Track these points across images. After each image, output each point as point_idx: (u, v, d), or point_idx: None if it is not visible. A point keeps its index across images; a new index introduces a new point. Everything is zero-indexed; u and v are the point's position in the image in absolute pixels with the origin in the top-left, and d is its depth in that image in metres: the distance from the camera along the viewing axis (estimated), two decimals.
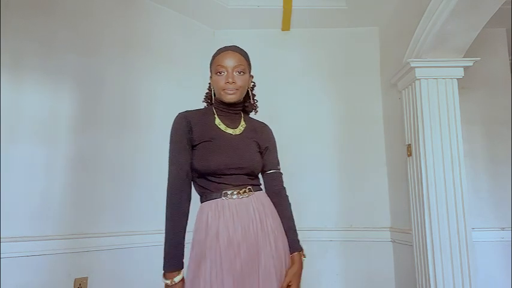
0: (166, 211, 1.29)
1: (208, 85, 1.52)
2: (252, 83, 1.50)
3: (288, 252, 1.36)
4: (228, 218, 1.27)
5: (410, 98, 2.46)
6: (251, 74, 1.47)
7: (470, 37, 2.24)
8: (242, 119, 1.47)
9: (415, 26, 2.33)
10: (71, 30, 2.32)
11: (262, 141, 1.46)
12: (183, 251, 1.27)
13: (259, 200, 1.36)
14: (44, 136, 2.15)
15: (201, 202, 1.37)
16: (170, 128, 1.40)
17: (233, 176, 1.33)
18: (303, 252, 1.39)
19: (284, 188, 1.50)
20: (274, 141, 1.53)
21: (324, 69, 3.09)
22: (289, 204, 1.49)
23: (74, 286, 2.14)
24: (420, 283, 2.35)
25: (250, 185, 1.36)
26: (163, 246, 1.25)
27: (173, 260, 1.24)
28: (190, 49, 2.95)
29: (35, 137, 2.12)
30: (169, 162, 1.36)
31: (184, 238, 1.28)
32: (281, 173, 1.51)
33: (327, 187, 2.95)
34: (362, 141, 2.98)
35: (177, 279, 1.22)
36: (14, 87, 2.08)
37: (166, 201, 1.31)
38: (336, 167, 2.97)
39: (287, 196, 1.49)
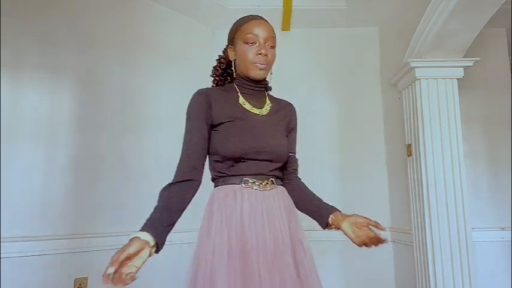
0: (168, 184, 1.13)
1: (218, 58, 1.35)
2: None
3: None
4: (246, 211, 1.10)
5: (410, 98, 2.46)
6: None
7: (470, 37, 2.24)
8: (267, 97, 1.31)
9: (415, 26, 2.33)
10: (71, 30, 2.32)
11: (289, 122, 1.31)
12: (165, 223, 1.08)
13: (283, 196, 1.21)
14: (43, 136, 2.15)
15: (215, 186, 1.21)
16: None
17: (257, 162, 1.16)
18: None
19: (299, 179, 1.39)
20: (296, 123, 1.37)
21: (324, 69, 3.09)
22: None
23: (74, 286, 2.14)
24: (420, 283, 2.35)
25: (274, 176, 1.21)
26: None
27: (148, 221, 1.07)
28: (190, 49, 2.95)
29: (35, 137, 2.12)
30: (183, 140, 1.19)
31: (171, 215, 1.08)
32: (297, 159, 1.37)
33: (326, 187, 2.94)
34: (362, 141, 2.98)
35: (138, 234, 1.04)
36: (14, 87, 2.08)
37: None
38: (336, 167, 2.97)
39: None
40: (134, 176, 2.49)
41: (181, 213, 1.11)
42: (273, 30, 1.24)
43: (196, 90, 1.24)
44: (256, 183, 1.15)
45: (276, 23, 3.05)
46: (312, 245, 2.70)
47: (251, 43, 1.19)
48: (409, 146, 2.48)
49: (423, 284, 2.31)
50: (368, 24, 3.06)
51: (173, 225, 1.09)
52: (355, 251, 2.81)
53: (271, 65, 1.24)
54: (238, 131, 1.16)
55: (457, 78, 2.37)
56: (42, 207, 2.10)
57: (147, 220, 1.08)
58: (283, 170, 1.30)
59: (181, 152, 1.17)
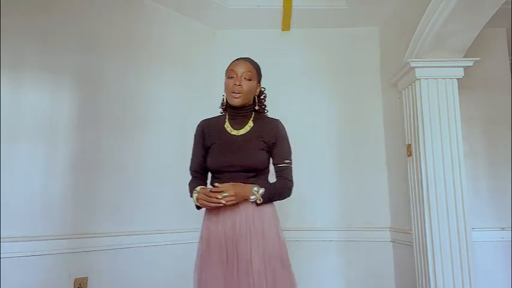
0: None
1: (223, 95, 1.67)
2: (260, 92, 1.66)
3: (283, 240, 1.53)
4: (221, 210, 1.48)
5: (410, 98, 2.46)
6: (260, 83, 1.65)
7: (470, 37, 2.25)
8: (251, 120, 1.61)
9: (415, 26, 2.33)
10: (71, 30, 2.32)
11: (269, 138, 1.58)
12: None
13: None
14: (44, 136, 2.15)
15: None
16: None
17: (233, 173, 1.49)
18: (258, 198, 1.48)
19: (290, 180, 1.60)
20: (284, 135, 1.63)
21: (324, 69, 3.09)
22: (284, 187, 1.59)
23: (74, 286, 2.14)
24: (420, 283, 2.35)
25: (253, 182, 1.50)
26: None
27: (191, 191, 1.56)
28: (190, 49, 2.95)
29: (35, 137, 2.12)
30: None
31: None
32: (288, 166, 1.61)
33: (327, 187, 2.94)
34: (362, 141, 2.98)
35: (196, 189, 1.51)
36: (14, 86, 2.08)
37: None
38: (336, 167, 2.97)
39: (287, 183, 1.59)
40: (134, 176, 2.49)
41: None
42: (253, 67, 1.59)
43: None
44: None
45: (276, 23, 3.05)
46: (312, 245, 2.76)
47: (231, 77, 1.56)
48: (409, 146, 2.48)
49: (423, 283, 2.31)
50: (368, 24, 3.06)
51: None
52: (355, 251, 2.83)
53: (248, 93, 1.56)
54: (217, 151, 1.56)
55: (457, 78, 2.37)
56: (43, 207, 2.10)
57: (191, 190, 1.58)
58: (276, 177, 1.61)
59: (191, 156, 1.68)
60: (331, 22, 3.04)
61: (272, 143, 1.58)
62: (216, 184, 1.46)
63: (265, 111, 1.69)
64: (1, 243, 1.92)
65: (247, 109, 1.61)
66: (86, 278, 2.18)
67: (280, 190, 1.57)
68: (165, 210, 2.59)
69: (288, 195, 1.61)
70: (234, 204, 1.45)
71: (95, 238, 2.24)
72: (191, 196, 1.54)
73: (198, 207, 1.55)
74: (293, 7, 2.85)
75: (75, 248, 2.16)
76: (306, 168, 2.94)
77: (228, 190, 1.41)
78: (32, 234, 2.04)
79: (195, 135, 1.66)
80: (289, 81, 3.07)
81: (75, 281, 2.15)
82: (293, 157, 1.66)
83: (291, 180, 1.60)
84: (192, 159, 1.66)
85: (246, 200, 1.48)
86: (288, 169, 1.61)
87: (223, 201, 1.39)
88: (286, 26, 3.07)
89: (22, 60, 2.12)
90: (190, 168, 1.66)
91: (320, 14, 2.93)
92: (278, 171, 1.60)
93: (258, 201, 1.47)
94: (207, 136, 1.61)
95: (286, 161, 1.60)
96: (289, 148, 1.64)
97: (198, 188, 1.51)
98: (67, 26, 2.31)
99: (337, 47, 3.12)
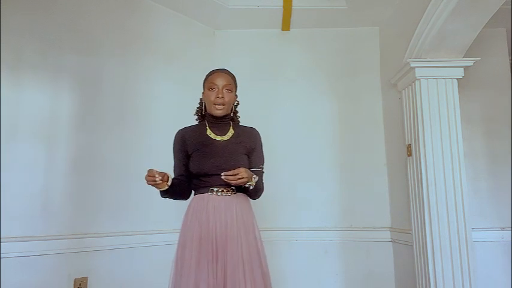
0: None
1: (199, 100, 1.77)
2: (236, 102, 1.76)
3: (260, 241, 1.63)
4: (210, 210, 1.56)
5: (410, 98, 2.46)
6: (236, 94, 1.74)
7: (470, 37, 2.24)
8: (231, 127, 1.72)
9: (415, 26, 2.33)
10: (71, 30, 2.32)
11: (250, 143, 1.71)
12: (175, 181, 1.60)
13: (239, 201, 1.62)
14: (43, 136, 2.15)
15: (194, 195, 1.68)
16: (175, 129, 1.74)
17: (219, 176, 1.51)
18: (253, 184, 1.56)
19: (261, 183, 1.71)
20: (260, 143, 1.76)
21: (324, 69, 3.09)
22: (262, 188, 1.72)
23: (74, 286, 2.14)
24: (420, 283, 2.35)
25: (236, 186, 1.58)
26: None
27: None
28: (190, 49, 2.95)
29: (35, 137, 2.12)
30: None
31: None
32: (262, 171, 1.73)
33: (327, 187, 2.94)
34: (362, 141, 2.98)
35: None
36: (14, 86, 2.08)
37: None
38: (336, 167, 2.97)
39: (262, 185, 1.72)
40: (134, 176, 2.48)
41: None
42: (232, 79, 1.70)
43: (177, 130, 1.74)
44: (219, 191, 1.59)
45: (276, 23, 3.05)
46: (312, 245, 2.77)
47: (212, 89, 1.65)
48: (409, 146, 2.48)
49: (423, 283, 2.31)
50: (368, 24, 3.06)
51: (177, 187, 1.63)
52: (355, 251, 2.83)
53: (229, 104, 1.67)
54: (203, 155, 1.62)
55: (457, 78, 2.37)
56: (42, 207, 2.10)
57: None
58: None
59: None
60: (331, 22, 3.04)
61: (252, 148, 1.71)
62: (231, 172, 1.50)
63: (239, 119, 1.78)
64: (1, 243, 1.92)
65: (227, 118, 1.71)
66: (86, 278, 2.18)
67: (261, 187, 1.70)
68: (165, 210, 2.59)
69: (258, 197, 1.73)
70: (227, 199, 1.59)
71: (95, 238, 2.24)
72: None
73: (164, 194, 1.60)
74: (293, 7, 2.85)
75: (75, 248, 2.16)
76: (305, 168, 2.94)
77: (241, 173, 1.48)
78: (32, 234, 2.04)
79: (175, 143, 1.72)
80: (289, 81, 3.08)
81: (75, 281, 2.15)
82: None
83: (262, 183, 1.72)
84: (174, 167, 1.72)
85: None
86: (262, 174, 1.72)
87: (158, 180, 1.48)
88: (286, 26, 3.07)
89: (22, 60, 2.12)
90: (174, 175, 1.70)
91: (320, 14, 2.93)
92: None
93: (251, 187, 1.57)
94: (189, 143, 1.67)
95: (261, 166, 1.72)
96: (263, 156, 1.76)
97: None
98: (67, 25, 2.31)
99: (337, 47, 3.12)
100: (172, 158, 1.73)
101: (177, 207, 2.60)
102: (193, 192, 1.71)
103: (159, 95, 2.70)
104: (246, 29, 3.12)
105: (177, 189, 1.62)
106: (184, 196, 1.71)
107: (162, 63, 2.75)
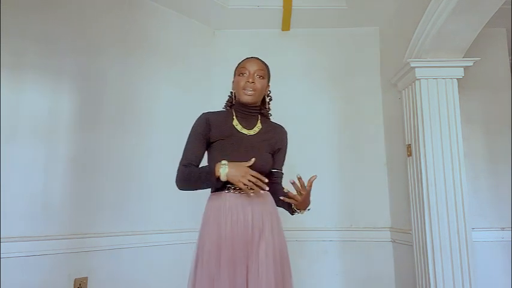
0: (179, 182, 1.48)
1: (230, 93, 1.64)
2: (269, 97, 1.65)
3: (284, 245, 1.54)
4: (227, 211, 1.43)
5: (410, 98, 2.46)
6: (269, 84, 1.63)
7: (470, 37, 2.24)
8: (259, 121, 1.60)
9: (415, 26, 2.33)
10: (71, 30, 2.32)
11: (275, 143, 1.60)
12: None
13: (262, 198, 1.48)
14: (43, 136, 2.15)
15: (211, 192, 1.54)
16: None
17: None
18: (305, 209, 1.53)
19: (281, 185, 1.64)
20: (286, 144, 1.67)
21: (324, 69, 3.09)
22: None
23: (74, 286, 2.14)
24: (420, 283, 2.35)
25: None
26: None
27: (206, 168, 1.44)
28: (190, 49, 2.95)
29: (35, 137, 2.12)
30: (184, 149, 1.53)
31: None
32: (283, 173, 1.67)
33: (327, 187, 2.94)
34: (362, 141, 2.98)
35: (220, 168, 1.39)
36: (14, 86, 2.08)
37: (176, 178, 1.49)
38: (336, 167, 2.97)
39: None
40: (134, 176, 2.49)
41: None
42: (265, 66, 1.59)
43: (201, 113, 1.57)
44: (237, 188, 1.44)
45: (276, 23, 3.05)
46: (312, 245, 2.76)
47: (243, 74, 1.53)
48: (409, 146, 2.48)
49: (423, 283, 2.31)
50: (368, 24, 3.06)
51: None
52: (355, 251, 2.83)
53: (261, 91, 1.54)
54: (226, 147, 1.48)
55: (457, 78, 2.37)
56: (42, 207, 2.10)
57: (202, 171, 1.45)
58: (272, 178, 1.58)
59: (181, 159, 1.52)
60: (331, 22, 3.04)
61: (278, 148, 1.62)
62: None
63: (269, 114, 1.68)
64: (1, 243, 1.91)
65: (256, 108, 1.58)
66: (85, 278, 2.18)
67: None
68: (165, 210, 2.59)
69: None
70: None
71: (95, 238, 2.24)
72: (207, 176, 1.41)
73: (216, 188, 1.46)
74: (293, 7, 2.85)
75: (75, 248, 2.16)
76: (305, 168, 2.91)
77: (306, 201, 1.47)
78: (32, 234, 2.04)
79: (196, 126, 1.52)
80: (289, 81, 3.07)
81: (75, 281, 2.15)
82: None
83: (282, 187, 1.62)
84: (188, 151, 1.50)
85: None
86: (282, 176, 1.66)
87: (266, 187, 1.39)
88: (286, 26, 3.07)
89: (22, 60, 2.12)
90: (185, 159, 1.49)
91: (320, 14, 2.93)
92: (274, 177, 1.62)
93: (300, 213, 1.55)
94: (213, 130, 1.51)
95: (282, 169, 1.67)
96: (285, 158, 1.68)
97: (225, 163, 1.39)
98: (67, 26, 2.30)
99: (337, 47, 3.12)
100: (186, 142, 1.53)
101: (177, 207, 2.61)
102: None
103: (158, 95, 2.70)
104: (246, 29, 3.12)
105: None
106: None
107: (162, 63, 2.75)
